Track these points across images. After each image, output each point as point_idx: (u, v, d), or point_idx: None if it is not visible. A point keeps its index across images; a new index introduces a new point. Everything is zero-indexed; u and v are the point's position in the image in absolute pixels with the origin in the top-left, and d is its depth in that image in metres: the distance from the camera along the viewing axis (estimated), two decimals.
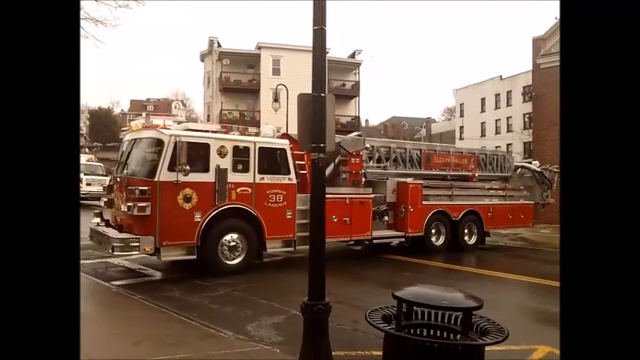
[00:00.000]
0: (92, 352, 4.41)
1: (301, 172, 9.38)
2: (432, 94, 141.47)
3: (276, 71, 38.95)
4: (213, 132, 8.67)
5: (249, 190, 8.52)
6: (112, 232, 7.96)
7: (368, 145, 11.34)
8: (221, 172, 8.14)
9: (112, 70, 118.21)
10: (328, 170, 10.11)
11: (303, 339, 3.66)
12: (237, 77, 40.61)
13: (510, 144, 45.66)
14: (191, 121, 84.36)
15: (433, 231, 11.66)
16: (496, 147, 47.23)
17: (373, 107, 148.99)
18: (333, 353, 3.75)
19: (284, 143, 9.22)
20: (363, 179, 10.70)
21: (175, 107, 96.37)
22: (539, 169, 14.73)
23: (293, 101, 24.97)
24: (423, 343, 2.66)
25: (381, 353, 3.01)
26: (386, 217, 11.00)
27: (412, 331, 2.91)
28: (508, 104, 48.99)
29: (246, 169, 8.53)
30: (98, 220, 8.78)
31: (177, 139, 7.71)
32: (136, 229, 7.71)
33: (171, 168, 7.69)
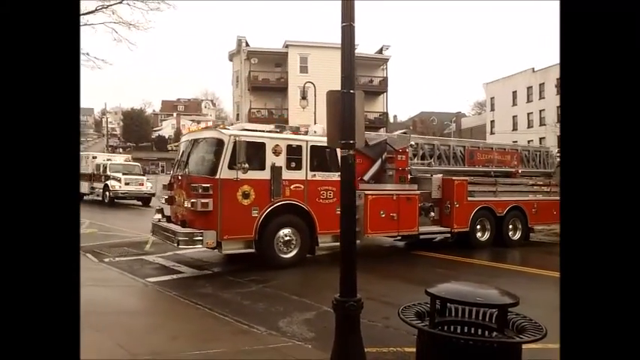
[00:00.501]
0: (131, 347, 4.55)
1: None
2: (462, 88, 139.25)
3: (303, 69, 39.07)
4: (267, 132, 9.05)
5: (302, 186, 8.91)
6: (176, 227, 8.44)
7: (413, 143, 11.49)
8: (276, 170, 8.56)
9: (144, 71, 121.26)
10: (375, 167, 10.46)
11: (335, 335, 3.66)
12: (265, 76, 40.97)
13: (543, 137, 44.46)
14: (220, 120, 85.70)
15: (478, 227, 11.71)
16: (528, 141, 46.13)
17: (401, 103, 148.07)
18: (365, 349, 3.74)
19: None
20: (409, 176, 10.89)
21: (205, 107, 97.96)
22: None
23: (320, 98, 25.06)
24: (457, 340, 2.63)
25: (413, 350, 2.99)
26: (432, 213, 11.11)
27: (446, 328, 2.88)
28: (541, 97, 47.68)
29: (298, 167, 8.93)
30: (159, 216, 9.32)
31: (237, 138, 8.20)
32: (199, 224, 8.15)
33: (231, 166, 8.13)
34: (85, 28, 19.49)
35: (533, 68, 48.93)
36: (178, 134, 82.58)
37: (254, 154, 8.36)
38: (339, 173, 9.06)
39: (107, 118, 78.94)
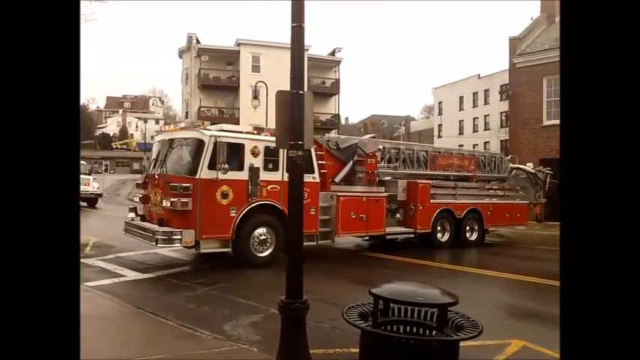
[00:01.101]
0: None
1: (321, 171, 10.01)
2: (411, 92, 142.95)
3: (255, 68, 38.74)
4: (245, 133, 9.19)
5: (278, 187, 9.03)
6: (154, 227, 8.40)
7: (380, 147, 11.98)
8: (254, 171, 8.73)
9: (87, 65, 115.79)
10: (346, 170, 10.94)
11: (281, 338, 3.64)
12: (216, 74, 40.26)
13: (488, 142, 46.37)
14: (169, 118, 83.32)
15: (439, 228, 12.25)
16: (474, 145, 47.89)
17: (353, 105, 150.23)
18: (311, 351, 3.74)
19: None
20: (377, 179, 11.35)
21: (153, 104, 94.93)
22: (533, 171, 15.70)
23: (272, 98, 24.90)
24: (399, 340, 2.67)
25: (358, 350, 3.02)
26: (398, 215, 11.67)
27: (389, 327, 2.92)
28: (486, 102, 49.70)
29: (275, 168, 9.08)
30: (133, 214, 9.43)
31: (217, 139, 8.25)
32: (178, 223, 8.23)
33: (211, 166, 8.23)
34: None
35: (478, 75, 50.91)
36: (124, 132, 79.60)
37: (233, 155, 8.46)
38: (313, 175, 9.62)
39: None
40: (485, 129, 48.02)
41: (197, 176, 8.18)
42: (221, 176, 8.23)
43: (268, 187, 8.94)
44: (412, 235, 11.79)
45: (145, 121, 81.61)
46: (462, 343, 2.77)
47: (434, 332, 2.82)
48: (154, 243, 8.18)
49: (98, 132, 79.54)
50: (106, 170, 55.99)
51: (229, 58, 40.64)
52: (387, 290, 2.99)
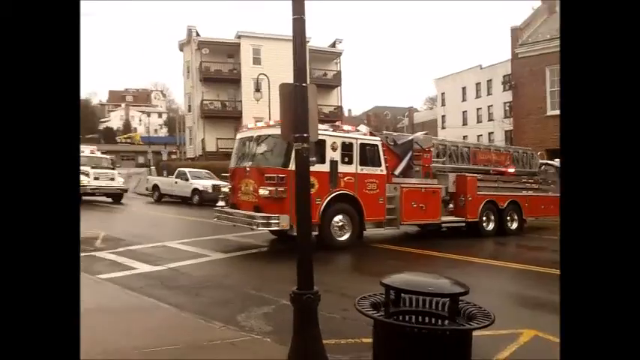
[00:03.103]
0: (84, 344, 4.40)
1: (386, 165, 11.12)
2: (414, 83, 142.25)
3: (256, 60, 38.60)
4: (324, 130, 10.12)
5: (353, 179, 10.26)
6: (252, 212, 9.61)
7: (433, 142, 13.11)
8: (333, 164, 9.85)
9: (89, 59, 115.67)
10: (404, 163, 11.83)
11: (294, 328, 3.71)
12: (218, 67, 40.13)
13: (492, 132, 46.21)
14: (172, 111, 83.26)
15: (484, 218, 13.28)
16: (478, 136, 47.73)
17: (355, 97, 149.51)
18: (324, 342, 3.81)
19: (378, 140, 11.11)
20: (432, 171, 12.44)
21: (155, 97, 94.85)
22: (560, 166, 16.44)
23: (275, 91, 24.90)
24: (411, 329, 2.73)
25: (370, 340, 3.08)
26: (450, 205, 12.75)
27: (400, 317, 2.98)
28: (489, 93, 49.47)
29: (350, 162, 10.27)
30: (223, 203, 10.88)
31: None
32: (275, 209, 9.26)
33: None
34: None
35: (480, 65, 50.64)
36: (128, 126, 79.73)
37: (317, 149, 9.42)
38: (380, 168, 10.83)
39: None
40: (489, 119, 47.85)
41: (289, 168, 8.81)
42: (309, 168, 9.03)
43: (345, 179, 10.08)
44: (463, 224, 12.88)
45: (149, 114, 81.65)
46: (474, 333, 2.83)
47: (446, 322, 2.87)
48: (255, 227, 9.39)
49: (102, 126, 79.63)
50: (111, 164, 56.00)
51: (230, 50, 40.49)
52: (398, 280, 3.05)
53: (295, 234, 8.60)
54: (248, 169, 10.17)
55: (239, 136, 11.49)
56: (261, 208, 9.54)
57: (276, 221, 9.11)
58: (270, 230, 10.43)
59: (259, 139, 10.36)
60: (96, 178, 20.82)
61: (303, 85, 3.86)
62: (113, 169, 23.25)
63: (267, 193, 9.26)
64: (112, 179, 21.54)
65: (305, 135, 3.86)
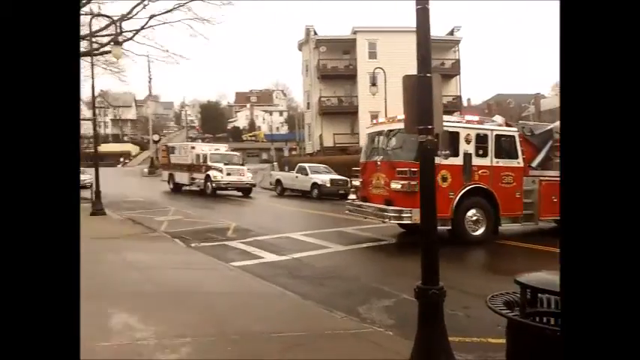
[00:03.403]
0: (219, 326, 4.82)
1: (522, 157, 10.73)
2: (540, 67, 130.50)
3: (372, 55, 38.57)
4: (456, 122, 10.21)
5: (488, 172, 10.00)
6: (383, 206, 9.74)
7: None
8: (467, 157, 9.71)
9: (218, 64, 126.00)
10: (542, 155, 11.26)
11: (419, 323, 3.65)
12: (334, 64, 40.94)
13: None
14: (291, 109, 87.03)
15: None
16: None
17: (475, 85, 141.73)
18: (449, 338, 3.70)
19: (514, 131, 10.70)
20: None
21: (276, 97, 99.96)
22: None
23: (391, 84, 24.64)
24: (552, 332, 2.52)
25: (497, 341, 2.92)
26: None
27: (537, 319, 2.78)
28: None
29: (485, 154, 10.00)
30: (354, 197, 11.03)
31: None
32: (407, 203, 9.21)
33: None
34: (164, 27, 20.66)
35: None
36: (252, 124, 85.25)
37: (451, 142, 9.44)
38: (517, 160, 10.45)
39: (186, 111, 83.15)
40: None
41: None
42: (442, 161, 9.03)
43: (479, 172, 9.84)
44: None
45: (270, 113, 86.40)
46: None
47: None
48: (387, 220, 9.53)
49: (229, 125, 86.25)
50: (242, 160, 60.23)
51: (346, 46, 41.02)
52: (534, 279, 2.85)
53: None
54: (379, 163, 10.27)
55: (368, 131, 11.59)
56: (392, 202, 9.58)
57: (409, 215, 9.08)
58: (400, 224, 10.43)
59: (390, 134, 10.37)
60: (228, 174, 22.52)
61: (427, 75, 3.76)
62: (243, 165, 24.81)
63: (399, 186, 9.31)
64: (242, 175, 23.14)
65: (429, 127, 3.76)
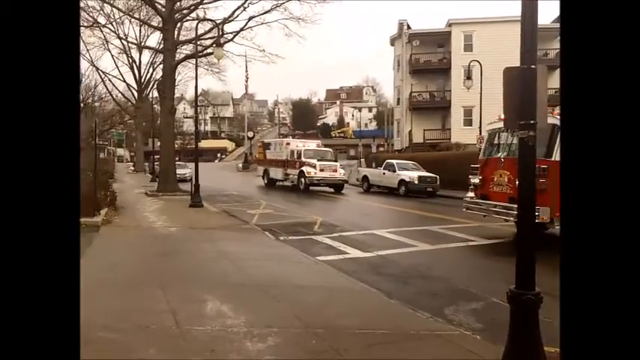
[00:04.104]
0: (305, 319, 4.93)
1: None
2: None
3: (467, 47, 36.99)
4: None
5: None
6: (506, 204, 9.45)
7: None
8: None
9: (310, 62, 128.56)
10: None
11: (510, 329, 3.44)
12: (427, 57, 39.94)
13: None
14: (381, 105, 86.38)
15: None
16: None
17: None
18: (545, 349, 3.44)
19: None
20: None
21: (366, 93, 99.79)
22: None
23: (487, 77, 23.41)
24: None
25: None
26: None
27: None
28: None
29: None
30: (472, 194, 10.81)
31: None
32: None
33: None
34: (262, 27, 21.56)
35: None
36: (342, 121, 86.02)
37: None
38: None
39: (279, 109, 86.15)
40: None
41: (552, 158, 8.67)
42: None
43: None
44: None
45: (360, 110, 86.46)
46: None
47: None
48: (511, 218, 9.15)
49: (319, 122, 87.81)
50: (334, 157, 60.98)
51: (440, 40, 39.77)
52: None
53: (555, 228, 8.57)
54: (502, 160, 10.01)
55: (489, 127, 11.44)
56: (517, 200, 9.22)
57: (536, 214, 8.69)
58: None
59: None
60: (321, 170, 22.73)
61: (532, 67, 3.51)
62: (336, 161, 24.82)
63: None
64: (335, 171, 23.23)
65: (531, 122, 3.52)
